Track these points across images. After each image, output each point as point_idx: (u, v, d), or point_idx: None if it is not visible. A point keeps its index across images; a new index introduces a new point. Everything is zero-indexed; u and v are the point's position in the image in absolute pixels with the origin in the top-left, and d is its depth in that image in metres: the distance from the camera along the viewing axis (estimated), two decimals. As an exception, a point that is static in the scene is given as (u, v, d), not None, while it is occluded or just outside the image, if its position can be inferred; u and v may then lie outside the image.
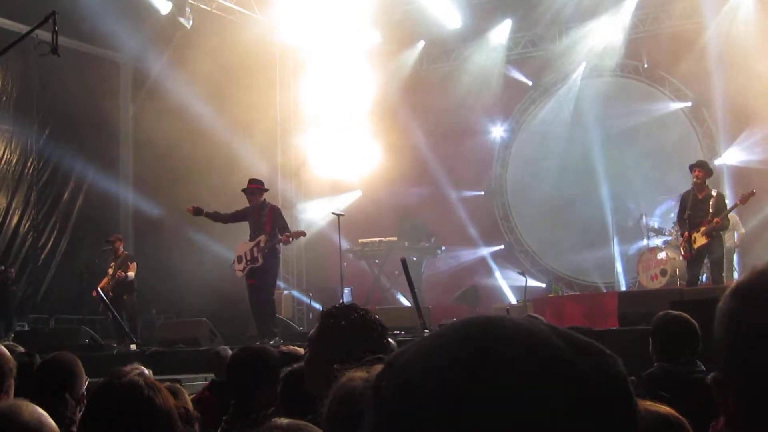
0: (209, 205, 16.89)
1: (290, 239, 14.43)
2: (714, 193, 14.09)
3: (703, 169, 14.03)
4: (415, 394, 1.03)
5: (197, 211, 14.63)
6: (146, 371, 6.43)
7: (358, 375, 2.52)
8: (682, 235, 14.30)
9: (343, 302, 4.55)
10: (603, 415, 1.03)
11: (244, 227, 14.84)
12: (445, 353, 1.05)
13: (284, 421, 2.29)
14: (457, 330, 1.08)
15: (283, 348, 5.83)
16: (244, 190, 14.61)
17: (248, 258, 14.28)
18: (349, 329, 3.51)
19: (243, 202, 14.86)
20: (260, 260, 14.14)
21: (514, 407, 0.99)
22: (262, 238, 14.18)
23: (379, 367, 2.49)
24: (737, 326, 1.59)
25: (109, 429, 3.05)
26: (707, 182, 14.18)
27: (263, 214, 14.40)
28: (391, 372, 1.08)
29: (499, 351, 1.03)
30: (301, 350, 5.69)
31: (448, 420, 0.99)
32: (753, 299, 1.59)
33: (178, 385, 4.07)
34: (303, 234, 14.93)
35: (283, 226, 14.43)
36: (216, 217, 14.80)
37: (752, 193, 13.76)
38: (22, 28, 19.31)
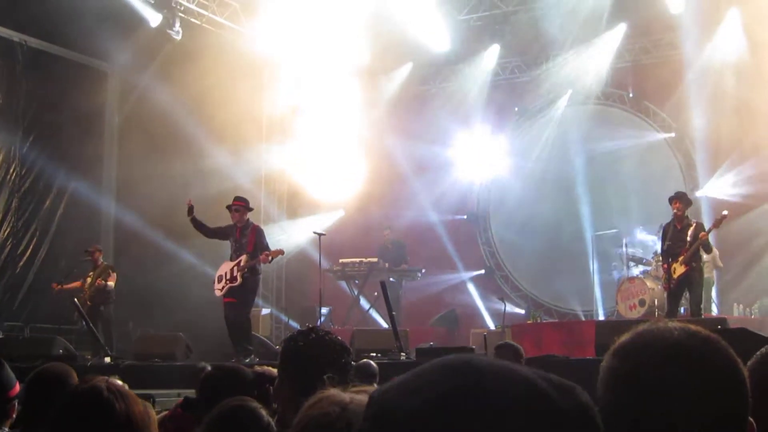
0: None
1: (269, 258, 14.36)
2: (693, 222, 14.21)
3: (682, 201, 14.18)
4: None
5: (191, 210, 14.41)
6: (120, 383, 6.40)
7: (338, 398, 2.48)
8: (663, 267, 14.37)
9: (306, 326, 4.58)
10: None
11: (226, 245, 14.78)
12: (428, 391, 1.07)
13: None
14: (439, 368, 1.10)
15: (257, 368, 5.80)
16: (228, 207, 14.55)
17: (228, 277, 14.22)
18: (308, 350, 3.54)
19: (225, 216, 14.80)
20: (239, 279, 14.09)
21: None
22: (243, 257, 14.13)
23: (363, 397, 2.48)
24: (617, 383, 1.69)
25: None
26: (686, 213, 14.32)
27: (246, 233, 14.33)
28: (374, 410, 1.10)
29: (483, 388, 1.05)
30: (275, 370, 5.68)
31: None
32: (630, 358, 1.69)
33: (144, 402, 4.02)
34: (281, 253, 14.84)
35: (264, 247, 14.36)
36: (200, 226, 14.57)
37: (724, 216, 13.87)
38: (11, 34, 19.33)
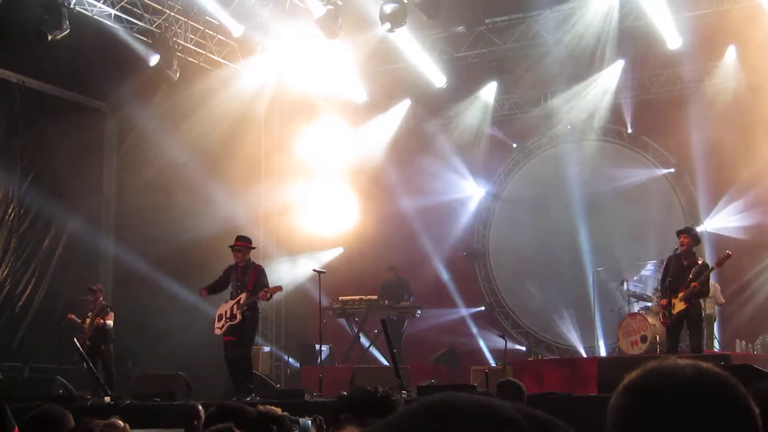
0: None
1: (268, 295, 14.33)
2: (699, 261, 14.02)
3: (690, 236, 13.97)
4: None
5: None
6: (121, 424, 6.34)
7: None
8: (660, 301, 14.25)
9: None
10: None
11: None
12: (408, 426, 1.13)
13: None
14: (422, 404, 1.17)
15: (261, 408, 5.75)
16: (231, 247, 14.56)
17: (227, 316, 14.20)
18: None
19: (224, 255, 14.80)
20: (239, 317, 14.06)
21: None
22: (243, 295, 14.12)
23: None
24: (626, 422, 1.68)
25: None
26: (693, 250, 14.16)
27: (247, 272, 14.35)
28: None
29: (459, 425, 1.10)
30: (279, 410, 5.63)
31: None
32: (641, 396, 1.68)
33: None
34: (280, 289, 14.84)
35: (264, 285, 14.36)
36: (214, 289, 14.75)
37: (728, 255, 13.63)
38: (9, 75, 19.37)
